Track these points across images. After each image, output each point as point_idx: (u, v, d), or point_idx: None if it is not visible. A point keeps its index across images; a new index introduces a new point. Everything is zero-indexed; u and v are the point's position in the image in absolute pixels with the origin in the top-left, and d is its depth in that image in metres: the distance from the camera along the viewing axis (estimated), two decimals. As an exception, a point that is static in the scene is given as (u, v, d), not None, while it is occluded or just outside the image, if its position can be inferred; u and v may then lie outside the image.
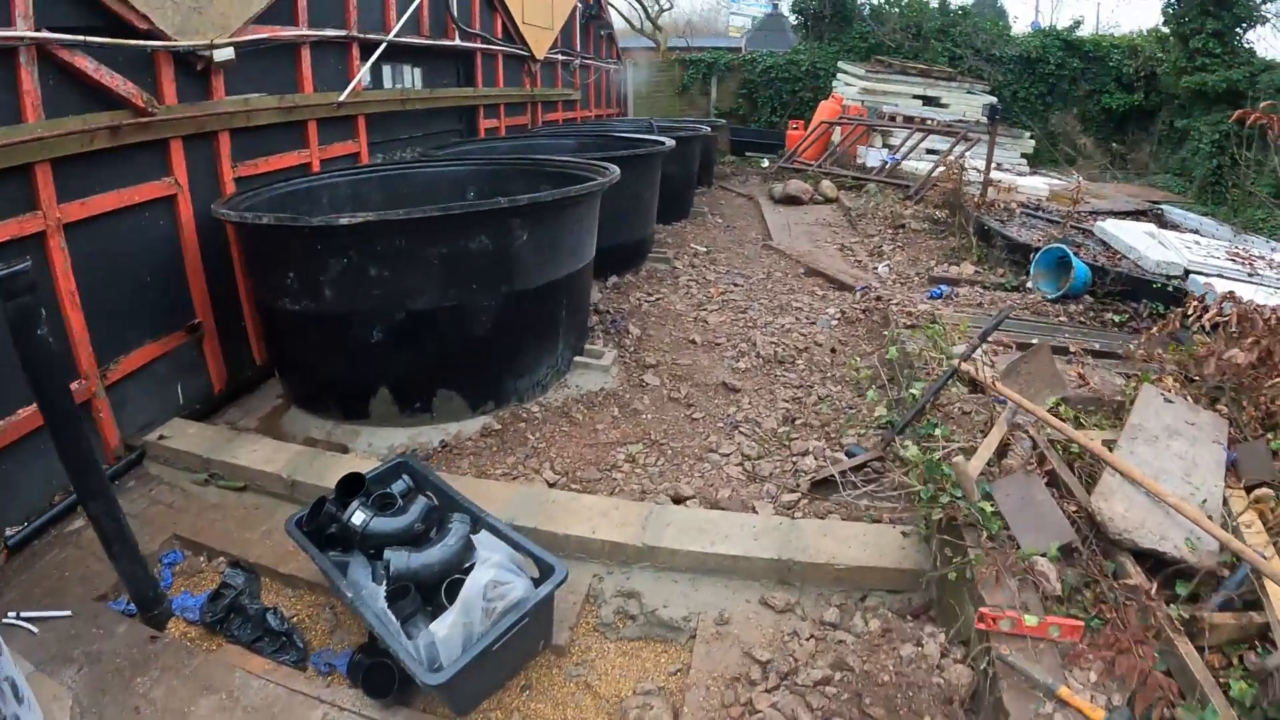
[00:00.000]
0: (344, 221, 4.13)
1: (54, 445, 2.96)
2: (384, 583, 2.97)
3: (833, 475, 4.33)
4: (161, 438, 4.58)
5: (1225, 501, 3.43)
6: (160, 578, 3.70)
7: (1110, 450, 3.61)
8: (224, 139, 5.22)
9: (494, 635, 2.71)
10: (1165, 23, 16.42)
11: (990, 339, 5.27)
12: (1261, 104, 4.39)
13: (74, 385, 4.18)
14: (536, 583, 3.01)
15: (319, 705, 2.97)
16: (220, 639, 3.37)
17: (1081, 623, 2.85)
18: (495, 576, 2.82)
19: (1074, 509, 3.38)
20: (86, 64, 4.11)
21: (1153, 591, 2.90)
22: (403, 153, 7.83)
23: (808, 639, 3.28)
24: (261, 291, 5.04)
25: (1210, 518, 3.18)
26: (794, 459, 4.64)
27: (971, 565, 3.11)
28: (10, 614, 3.38)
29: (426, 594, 2.98)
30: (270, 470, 4.24)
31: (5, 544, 3.83)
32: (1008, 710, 2.60)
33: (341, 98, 6.43)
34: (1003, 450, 3.85)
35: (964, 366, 4.52)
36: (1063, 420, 3.97)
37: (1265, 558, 2.99)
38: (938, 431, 4.11)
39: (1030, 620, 2.82)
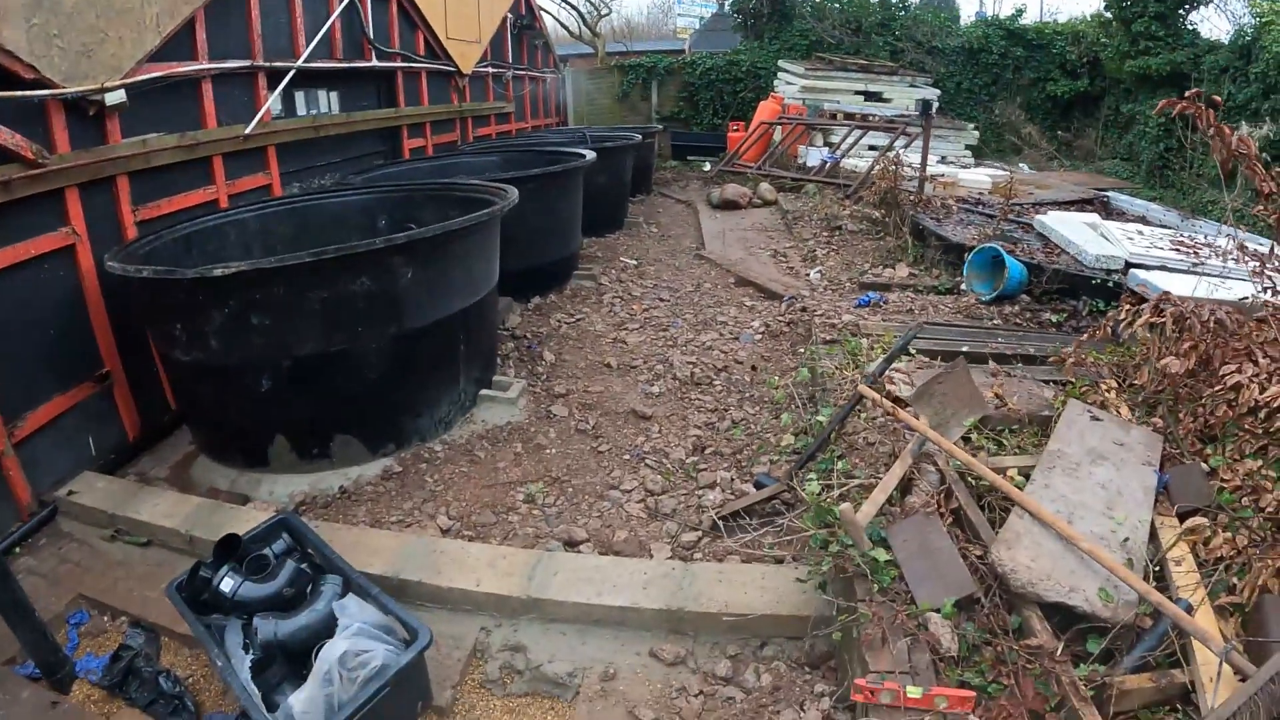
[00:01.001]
0: (219, 272, 4.11)
1: None
2: (252, 651, 3.05)
3: (733, 512, 4.30)
4: (70, 493, 4.62)
5: (1154, 533, 3.29)
6: (67, 639, 3.77)
7: (1026, 482, 3.48)
8: (123, 183, 5.19)
9: (353, 707, 2.77)
10: (1107, 7, 16.64)
11: (913, 351, 5.26)
12: (1187, 93, 4.36)
13: None
14: (407, 644, 3.08)
15: (198, 773, 3.06)
16: (120, 702, 3.43)
17: (973, 692, 2.64)
18: (351, 646, 2.90)
19: (979, 554, 3.21)
20: (-29, 120, 4.09)
21: (1057, 652, 2.71)
22: (321, 180, 7.79)
23: (696, 695, 3.28)
24: (155, 342, 5.07)
25: (1131, 561, 3.03)
26: (700, 492, 4.63)
27: (858, 624, 2.93)
28: None
29: (300, 661, 3.06)
30: (170, 525, 4.29)
31: None
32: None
33: (248, 130, 6.40)
34: (907, 486, 3.69)
35: (866, 391, 4.33)
36: (979, 445, 3.85)
37: (1192, 605, 2.81)
38: (838, 465, 4.01)
39: (914, 692, 2.61)
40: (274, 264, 4.25)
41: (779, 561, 3.89)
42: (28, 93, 4.43)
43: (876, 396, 4.25)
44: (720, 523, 4.31)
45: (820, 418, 4.58)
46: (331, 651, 2.89)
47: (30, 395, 4.60)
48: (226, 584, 3.25)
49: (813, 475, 3.96)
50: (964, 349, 5.46)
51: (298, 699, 2.81)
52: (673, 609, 3.53)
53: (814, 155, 14.67)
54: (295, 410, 4.75)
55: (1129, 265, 6.80)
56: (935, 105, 13.79)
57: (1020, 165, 16.14)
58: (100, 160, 4.94)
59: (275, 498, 4.72)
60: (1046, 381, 4.89)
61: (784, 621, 3.50)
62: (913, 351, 5.34)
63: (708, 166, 16.86)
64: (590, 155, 8.29)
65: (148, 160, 5.37)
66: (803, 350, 6.13)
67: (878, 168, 10.75)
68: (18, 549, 4.34)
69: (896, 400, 4.38)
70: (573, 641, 3.59)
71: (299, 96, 7.62)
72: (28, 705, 3.34)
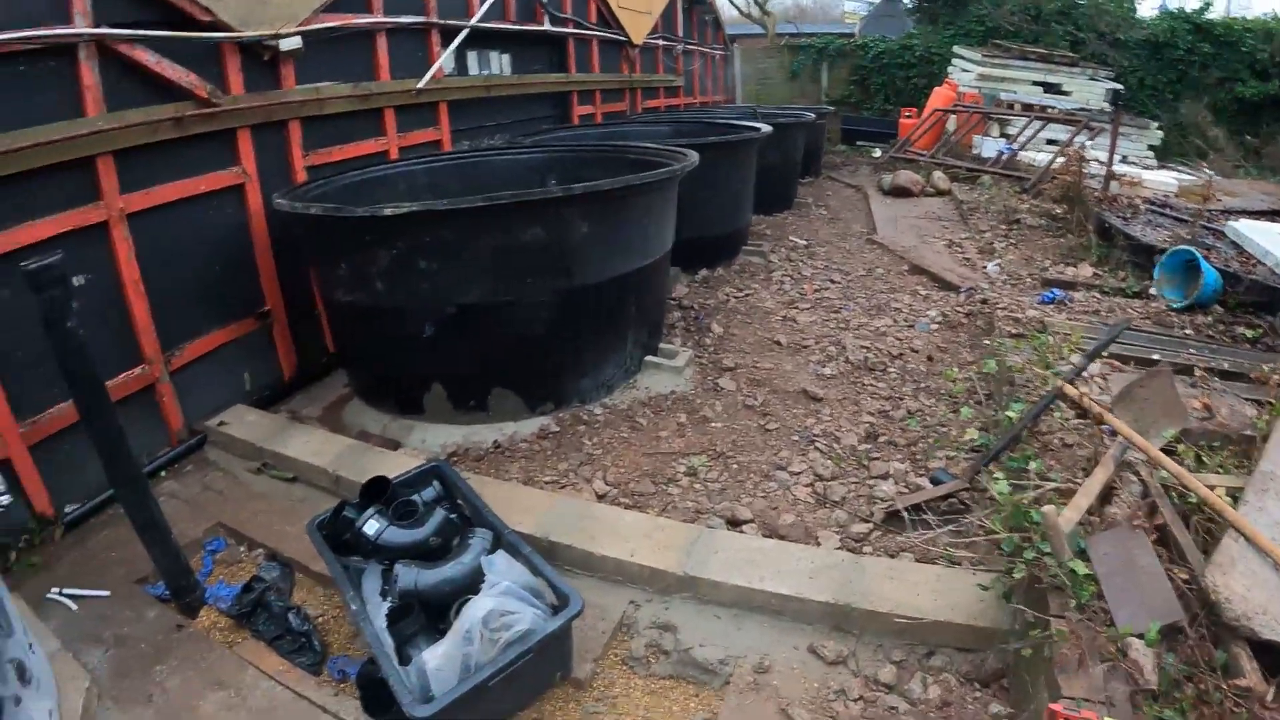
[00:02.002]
0: (388, 212, 3.99)
1: (87, 433, 2.97)
2: (389, 599, 2.82)
3: (911, 505, 3.90)
4: (221, 424, 4.59)
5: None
6: (202, 565, 3.69)
7: (1235, 503, 3.01)
8: (294, 128, 5.21)
9: (491, 670, 2.50)
10: (1304, 3, 15.09)
11: (1104, 356, 4.78)
12: None
13: (136, 371, 4.26)
14: (556, 610, 2.79)
15: (321, 715, 2.86)
16: (246, 632, 3.30)
17: None
18: (498, 605, 2.61)
19: (1185, 578, 2.79)
20: (147, 58, 4.13)
21: (1268, 697, 2.38)
22: (490, 139, 7.72)
23: (856, 700, 2.91)
24: (319, 282, 5.02)
25: None
26: (871, 482, 4.23)
27: (1052, 642, 2.62)
28: (54, 590, 3.44)
29: (437, 613, 2.81)
30: (317, 463, 4.18)
31: (62, 520, 3.90)
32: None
33: (420, 85, 6.36)
34: (1107, 494, 3.25)
35: (1068, 389, 3.93)
36: (1181, 460, 3.37)
37: None
38: (1032, 466, 3.59)
39: None
40: (446, 207, 4.11)
41: (955, 564, 3.49)
42: (203, 34, 4.45)
43: (1083, 395, 3.85)
44: (894, 516, 3.93)
45: (1009, 414, 4.15)
46: (476, 609, 2.60)
47: (190, 327, 4.64)
48: (370, 526, 3.03)
49: (1000, 474, 3.57)
50: (1155, 356, 4.97)
51: (433, 654, 2.53)
52: (839, 604, 3.14)
53: (989, 146, 13.91)
54: (455, 359, 4.58)
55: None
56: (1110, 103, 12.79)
57: (1205, 170, 14.75)
58: (273, 104, 4.96)
59: (427, 446, 4.56)
60: (1246, 399, 4.37)
61: (957, 630, 3.08)
62: (1100, 358, 4.84)
63: (878, 153, 16.12)
64: (765, 129, 7.91)
65: (320, 107, 5.38)
66: (987, 343, 5.62)
67: (1059, 161, 10.16)
68: (163, 473, 4.35)
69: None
70: (726, 626, 3.24)
71: (471, 56, 7.56)
72: (153, 625, 3.28)
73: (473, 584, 2.85)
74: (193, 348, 4.61)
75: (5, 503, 3.40)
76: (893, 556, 3.62)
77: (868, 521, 3.91)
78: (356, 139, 5.85)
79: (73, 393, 2.93)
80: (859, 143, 17.80)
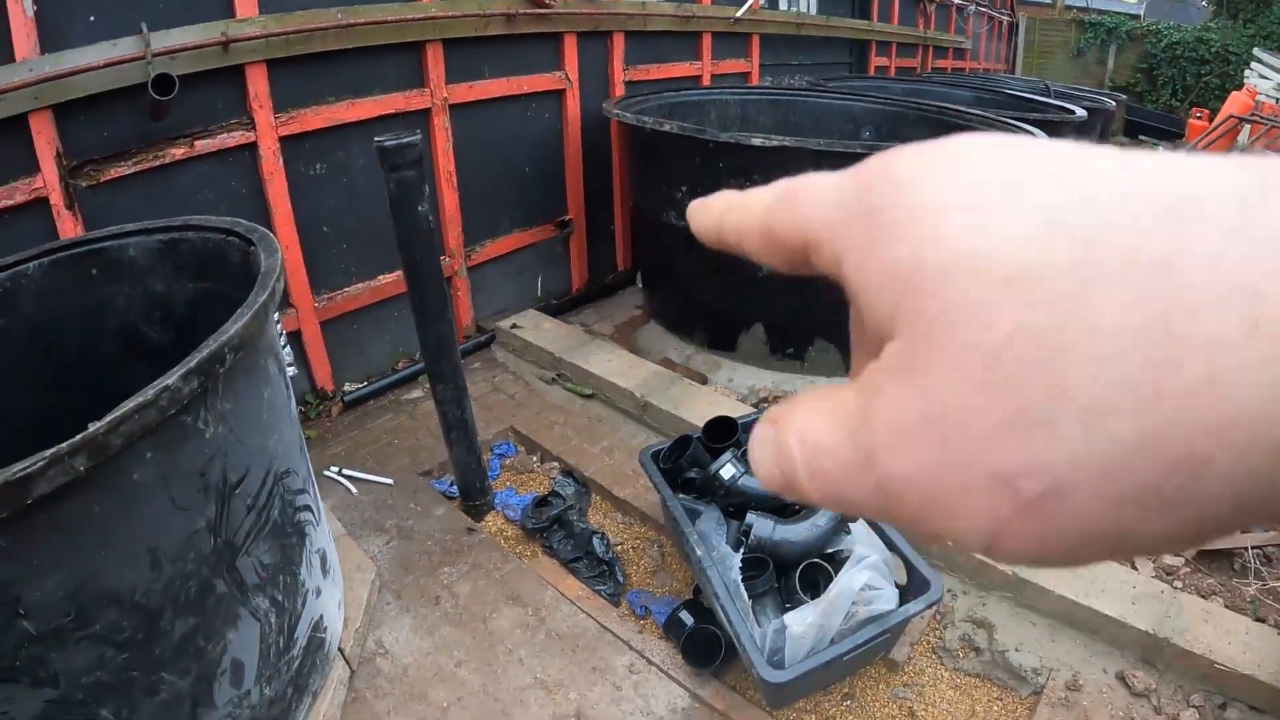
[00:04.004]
0: (756, 142, 3.75)
1: (415, 324, 2.85)
2: (740, 548, 2.57)
3: (1227, 548, 3.53)
4: (514, 327, 4.49)
5: None
6: (489, 467, 3.57)
7: None
8: (618, 40, 5.05)
9: (848, 646, 2.26)
10: None
11: None
12: None
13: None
14: (902, 591, 2.51)
15: (627, 652, 2.68)
16: (536, 546, 3.18)
17: None
18: (870, 581, 2.35)
19: None
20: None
21: None
22: (790, 79, 7.43)
23: None
24: (644, 201, 4.81)
25: None
26: None
27: None
28: (333, 468, 3.41)
29: (778, 571, 2.55)
30: (623, 385, 3.98)
31: (342, 398, 3.92)
32: None
33: (739, 14, 6.08)
34: None
35: None
36: None
37: None
38: None
39: None
40: (821, 147, 3.83)
41: (1260, 620, 3.13)
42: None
43: None
44: (1203, 555, 3.60)
45: None
46: (852, 582, 2.35)
47: (493, 225, 4.60)
48: (727, 470, 2.78)
49: None
50: None
51: (799, 620, 2.28)
52: (1157, 635, 2.88)
53: (1286, 164, 12.35)
54: (785, 303, 4.34)
55: None
56: None
57: None
58: (601, 13, 4.82)
59: (734, 386, 4.33)
60: None
61: (1259, 688, 2.80)
62: None
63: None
64: (1080, 112, 7.17)
65: (644, 23, 5.22)
66: None
67: None
68: None
69: None
70: (1041, 635, 2.98)
71: (782, -8, 7.27)
72: (441, 523, 3.18)
73: (821, 548, 2.61)
74: (493, 246, 4.57)
75: (291, 374, 3.36)
76: (1204, 597, 3.28)
77: (1180, 555, 3.55)
78: (674, 60, 5.67)
79: (410, 281, 2.79)
80: (1141, 137, 16.31)
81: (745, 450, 2.91)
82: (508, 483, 3.55)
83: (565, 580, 2.96)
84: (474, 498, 3.27)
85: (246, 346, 1.74)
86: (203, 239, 2.38)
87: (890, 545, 2.61)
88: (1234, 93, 14.97)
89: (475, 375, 4.24)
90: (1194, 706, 2.79)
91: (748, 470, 2.79)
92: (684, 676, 2.59)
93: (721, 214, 0.38)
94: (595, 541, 3.03)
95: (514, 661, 2.65)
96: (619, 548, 3.18)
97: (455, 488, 3.32)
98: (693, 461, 2.92)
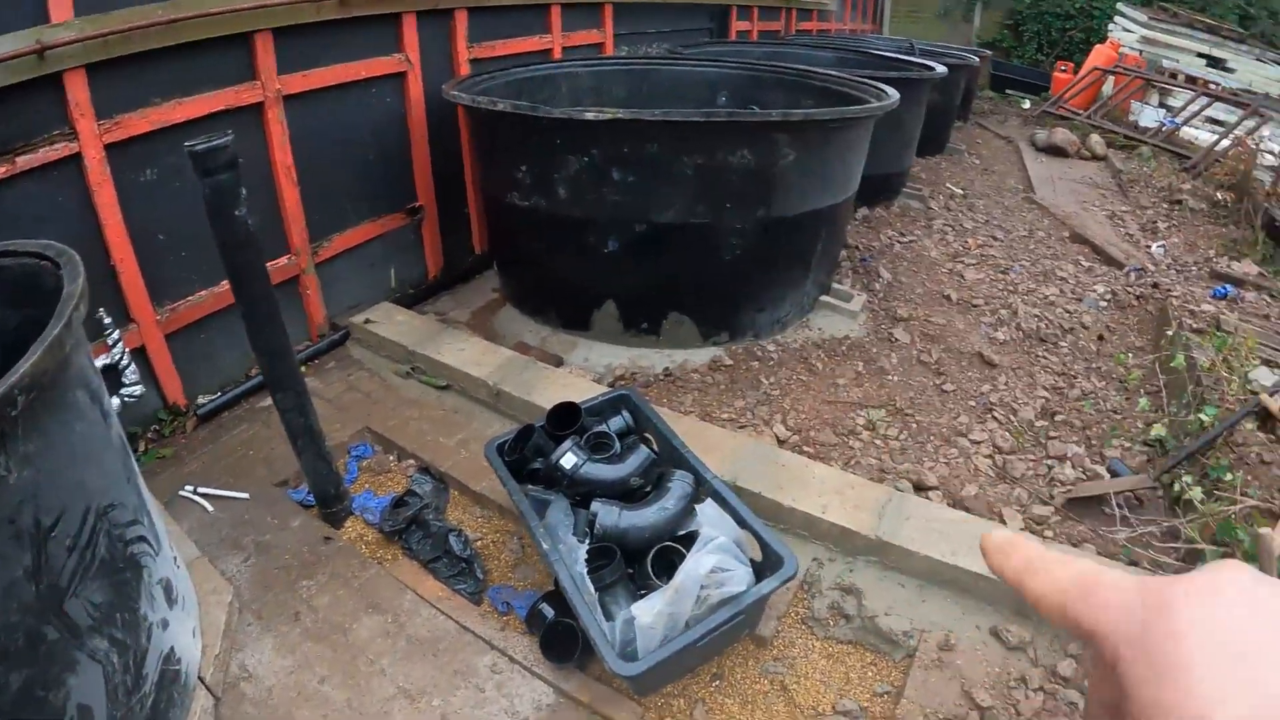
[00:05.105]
0: (590, 116, 3.66)
1: (247, 332, 2.72)
2: (586, 539, 2.52)
3: (1094, 495, 3.64)
4: (367, 321, 4.34)
5: None
6: (346, 470, 3.46)
7: None
8: (461, 17, 4.85)
9: (701, 631, 2.23)
10: None
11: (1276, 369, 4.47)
12: None
13: (283, 260, 4.06)
14: (756, 568, 2.49)
15: (489, 651, 2.63)
16: (396, 549, 3.08)
17: None
18: (719, 563, 2.32)
19: None
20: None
21: None
22: (649, 48, 7.32)
23: (1036, 690, 2.70)
24: (488, 182, 4.69)
25: None
26: (1049, 462, 3.94)
27: None
28: (188, 487, 3.26)
29: (629, 559, 2.51)
30: (476, 374, 3.89)
31: (195, 411, 3.73)
32: None
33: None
34: None
35: (1273, 406, 3.73)
36: None
37: None
38: (1229, 478, 3.38)
39: None
40: (656, 117, 3.75)
41: (1133, 564, 3.26)
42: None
43: None
44: (1073, 503, 3.69)
45: (1201, 416, 3.88)
46: (698, 566, 2.30)
47: (339, 218, 4.42)
48: (568, 459, 2.72)
49: (1188, 479, 3.49)
50: None
51: (646, 610, 2.24)
52: None
53: (1148, 115, 12.98)
54: (635, 278, 4.30)
55: None
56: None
57: None
58: None
59: (590, 365, 4.28)
60: None
61: None
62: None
63: (1027, 104, 15.15)
64: (941, 69, 7.35)
65: None
66: (1168, 333, 5.10)
67: (1225, 144, 9.62)
68: (304, 368, 4.14)
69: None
70: (911, 597, 3.00)
71: (637, -42, 7.13)
72: (298, 534, 3.07)
73: (672, 531, 2.57)
74: (341, 239, 4.38)
75: (138, 393, 3.18)
76: (1075, 545, 3.39)
77: (1048, 504, 3.64)
78: (521, 34, 5.50)
79: (234, 287, 2.65)
80: (1008, 91, 16.80)
81: (588, 436, 2.86)
82: (366, 485, 3.43)
83: (425, 582, 2.88)
84: (330, 505, 3.15)
85: (44, 385, 1.61)
86: (20, 264, 2.20)
87: (742, 523, 2.59)
88: (1098, 46, 15.50)
89: (330, 375, 4.10)
90: (1071, 656, 2.84)
91: (590, 457, 2.75)
92: (548, 672, 2.55)
93: (1020, 574, 0.47)
94: (453, 539, 2.95)
95: (376, 672, 2.57)
96: (479, 543, 3.10)
97: (311, 495, 3.20)
98: (537, 451, 2.86)
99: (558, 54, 5.83)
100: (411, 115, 4.64)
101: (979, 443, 4.00)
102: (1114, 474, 3.83)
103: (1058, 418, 4.33)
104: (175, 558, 2.38)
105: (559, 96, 5.43)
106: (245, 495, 3.24)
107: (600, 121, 3.67)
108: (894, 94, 4.86)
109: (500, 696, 2.51)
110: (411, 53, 4.51)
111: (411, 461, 3.53)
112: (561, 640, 2.52)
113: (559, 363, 4.23)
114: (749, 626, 2.69)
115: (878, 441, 3.91)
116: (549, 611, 2.59)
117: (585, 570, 2.37)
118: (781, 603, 2.90)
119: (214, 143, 2.34)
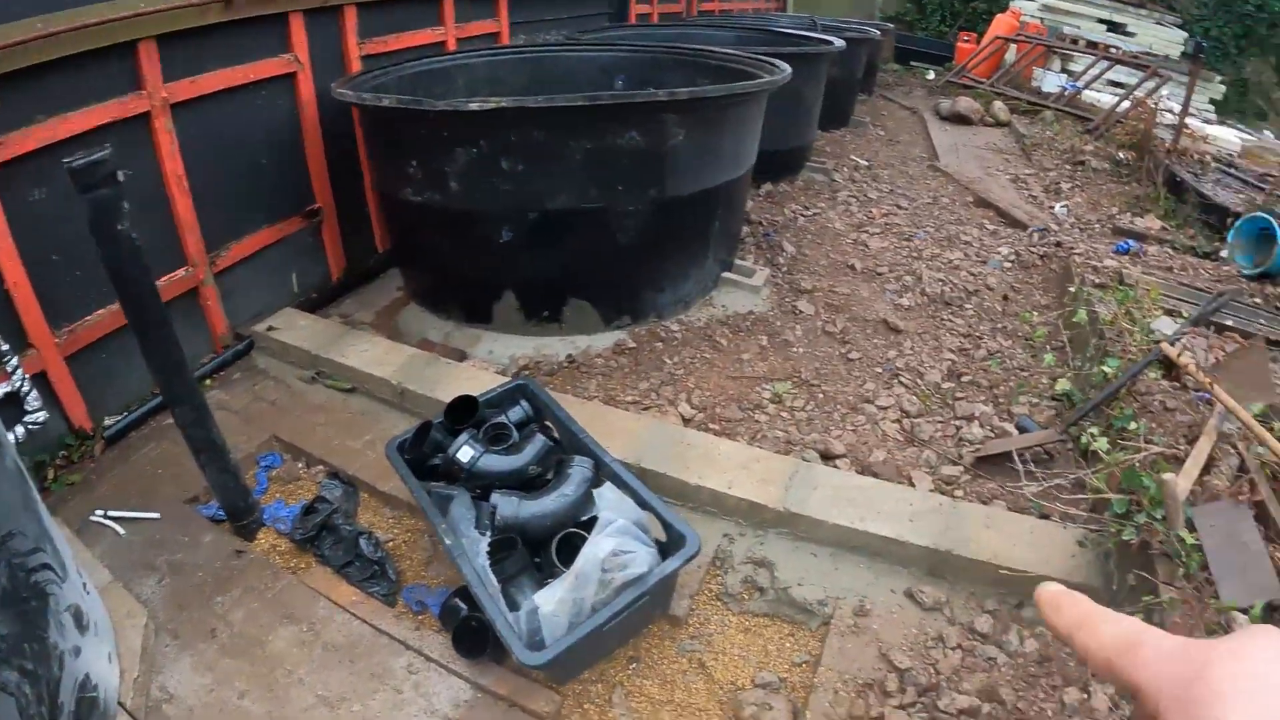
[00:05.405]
0: (474, 107, 3.65)
1: (140, 349, 2.66)
2: (488, 532, 2.54)
3: (1002, 452, 3.72)
4: (270, 329, 4.28)
5: None
6: (255, 482, 3.43)
7: None
8: (350, 13, 4.78)
9: (607, 615, 2.27)
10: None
11: (1185, 315, 4.68)
12: None
13: (180, 273, 3.97)
14: (662, 548, 2.54)
15: (404, 652, 2.65)
16: (310, 557, 3.07)
17: None
18: (617, 545, 2.35)
19: None
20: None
21: None
22: (547, 35, 7.28)
23: (954, 648, 2.77)
24: (382, 179, 4.67)
25: None
26: (957, 423, 4.03)
27: (1162, 609, 2.59)
28: (98, 512, 3.20)
29: (534, 547, 2.54)
30: (379, 374, 3.88)
31: (102, 434, 3.65)
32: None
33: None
34: (1206, 465, 3.21)
35: (1169, 351, 3.84)
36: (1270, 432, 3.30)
37: None
38: (1133, 426, 3.47)
39: None
40: (540, 104, 3.76)
41: (1045, 517, 3.34)
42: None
43: (1189, 364, 3.78)
44: (982, 461, 3.77)
45: (1104, 368, 3.99)
46: (596, 551, 2.34)
47: (236, 226, 4.34)
48: (465, 453, 2.74)
49: (1094, 430, 3.57)
50: (1227, 323, 4.85)
51: (547, 598, 2.27)
52: (940, 549, 3.00)
53: (1051, 80, 13.38)
54: (532, 267, 4.31)
55: None
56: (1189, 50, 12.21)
57: (1264, 132, 14.08)
58: None
59: (494, 358, 4.29)
60: None
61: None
62: (1185, 315, 4.78)
63: (931, 75, 15.41)
64: (839, 43, 7.46)
65: None
66: (1070, 289, 5.28)
67: (1127, 105, 9.96)
68: (209, 381, 4.08)
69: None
70: (824, 565, 3.07)
71: (532, -57, 7.08)
72: (210, 550, 3.03)
73: (574, 517, 2.61)
74: (239, 247, 4.30)
75: (41, 420, 3.12)
76: (985, 503, 3.47)
77: (957, 464, 3.74)
78: (414, 28, 5.44)
79: (123, 304, 2.60)
80: (912, 63, 17.05)
81: (486, 428, 2.88)
82: (277, 495, 3.40)
83: (338, 588, 2.88)
84: (241, 518, 3.11)
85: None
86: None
87: (643, 504, 2.63)
88: (999, 15, 15.80)
89: (236, 386, 4.04)
90: (988, 612, 2.92)
91: (488, 449, 2.77)
92: (464, 668, 2.57)
93: (1071, 628, 0.51)
94: (363, 542, 2.95)
95: (295, 683, 2.56)
96: (390, 544, 3.11)
97: (221, 511, 3.16)
98: (436, 447, 2.87)
99: (452, 46, 5.79)
100: (305, 116, 4.57)
101: (886, 408, 4.09)
102: (1022, 430, 3.93)
103: (964, 379, 4.43)
104: (85, 584, 2.35)
105: (455, 89, 5.39)
106: (156, 515, 3.19)
107: (485, 111, 3.66)
108: (785, 68, 4.91)
109: (418, 696, 2.52)
110: (301, 52, 4.44)
111: (320, 467, 3.52)
112: (475, 635, 2.54)
113: (463, 357, 4.23)
114: (661, 607, 2.73)
115: (784, 414, 3.97)
116: (462, 607, 2.60)
117: (488, 563, 2.40)
118: (694, 581, 2.94)
119: (92, 157, 2.30)
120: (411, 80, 5.03)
